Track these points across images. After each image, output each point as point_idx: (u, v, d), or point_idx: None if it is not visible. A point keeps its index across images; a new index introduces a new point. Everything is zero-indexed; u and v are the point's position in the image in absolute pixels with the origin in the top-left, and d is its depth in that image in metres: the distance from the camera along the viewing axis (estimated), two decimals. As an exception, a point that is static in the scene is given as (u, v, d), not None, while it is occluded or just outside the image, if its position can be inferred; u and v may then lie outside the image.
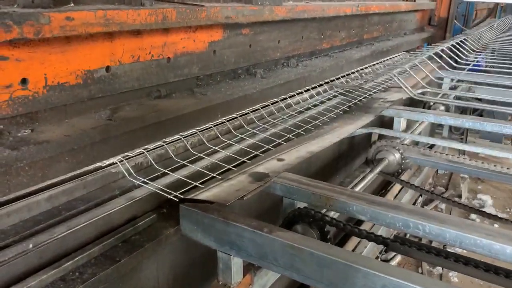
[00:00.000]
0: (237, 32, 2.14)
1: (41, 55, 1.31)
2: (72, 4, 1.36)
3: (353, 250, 2.15)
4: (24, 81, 1.28)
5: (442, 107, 3.04)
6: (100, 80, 1.51)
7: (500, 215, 2.83)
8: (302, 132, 2.04)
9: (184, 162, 1.64)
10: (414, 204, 3.31)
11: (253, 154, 1.75)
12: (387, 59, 3.88)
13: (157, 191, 1.44)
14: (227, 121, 1.96)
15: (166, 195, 1.41)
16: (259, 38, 2.33)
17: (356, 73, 3.24)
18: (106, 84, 1.53)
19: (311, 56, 3.00)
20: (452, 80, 3.61)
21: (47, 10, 1.23)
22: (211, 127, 1.88)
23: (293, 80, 2.49)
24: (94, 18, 1.34)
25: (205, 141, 1.80)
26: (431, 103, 3.13)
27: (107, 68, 1.53)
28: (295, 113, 2.34)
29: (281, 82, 2.37)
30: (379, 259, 2.53)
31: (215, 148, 1.78)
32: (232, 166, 1.62)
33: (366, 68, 3.42)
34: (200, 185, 1.44)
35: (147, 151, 1.59)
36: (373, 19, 3.84)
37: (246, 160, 1.68)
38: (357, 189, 1.97)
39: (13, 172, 1.17)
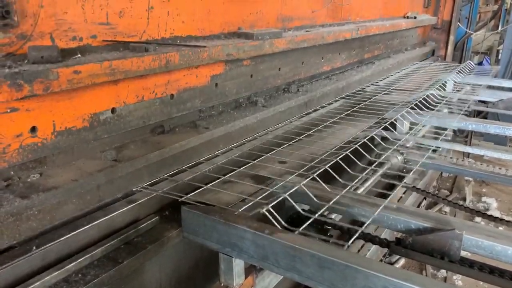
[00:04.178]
0: (239, 64, 2.15)
1: (49, 104, 1.34)
2: (79, 55, 1.39)
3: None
4: (33, 129, 1.31)
5: (446, 110, 3.03)
6: (106, 121, 1.54)
7: (505, 218, 2.80)
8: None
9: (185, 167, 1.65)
10: (418, 207, 3.30)
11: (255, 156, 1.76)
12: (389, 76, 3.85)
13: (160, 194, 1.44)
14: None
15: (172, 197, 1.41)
16: (260, 67, 2.32)
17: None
18: (111, 125, 1.56)
19: (311, 80, 2.97)
20: (456, 82, 3.60)
21: (55, 65, 1.27)
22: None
23: (294, 107, 2.50)
24: (100, 69, 1.38)
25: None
26: (435, 106, 3.12)
27: (113, 110, 1.55)
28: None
29: (282, 109, 2.38)
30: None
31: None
32: (234, 169, 1.62)
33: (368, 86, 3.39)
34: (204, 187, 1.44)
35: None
36: (374, 39, 3.79)
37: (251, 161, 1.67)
38: (359, 191, 1.96)
39: (23, 219, 1.20)
